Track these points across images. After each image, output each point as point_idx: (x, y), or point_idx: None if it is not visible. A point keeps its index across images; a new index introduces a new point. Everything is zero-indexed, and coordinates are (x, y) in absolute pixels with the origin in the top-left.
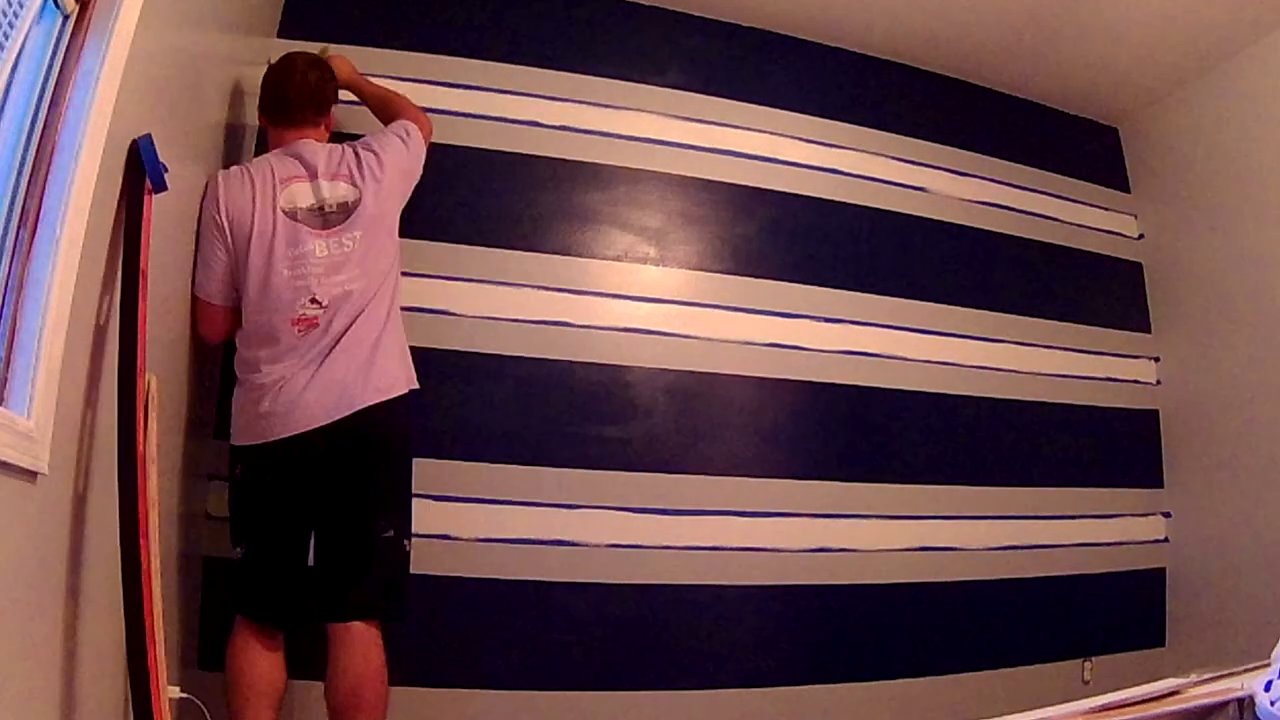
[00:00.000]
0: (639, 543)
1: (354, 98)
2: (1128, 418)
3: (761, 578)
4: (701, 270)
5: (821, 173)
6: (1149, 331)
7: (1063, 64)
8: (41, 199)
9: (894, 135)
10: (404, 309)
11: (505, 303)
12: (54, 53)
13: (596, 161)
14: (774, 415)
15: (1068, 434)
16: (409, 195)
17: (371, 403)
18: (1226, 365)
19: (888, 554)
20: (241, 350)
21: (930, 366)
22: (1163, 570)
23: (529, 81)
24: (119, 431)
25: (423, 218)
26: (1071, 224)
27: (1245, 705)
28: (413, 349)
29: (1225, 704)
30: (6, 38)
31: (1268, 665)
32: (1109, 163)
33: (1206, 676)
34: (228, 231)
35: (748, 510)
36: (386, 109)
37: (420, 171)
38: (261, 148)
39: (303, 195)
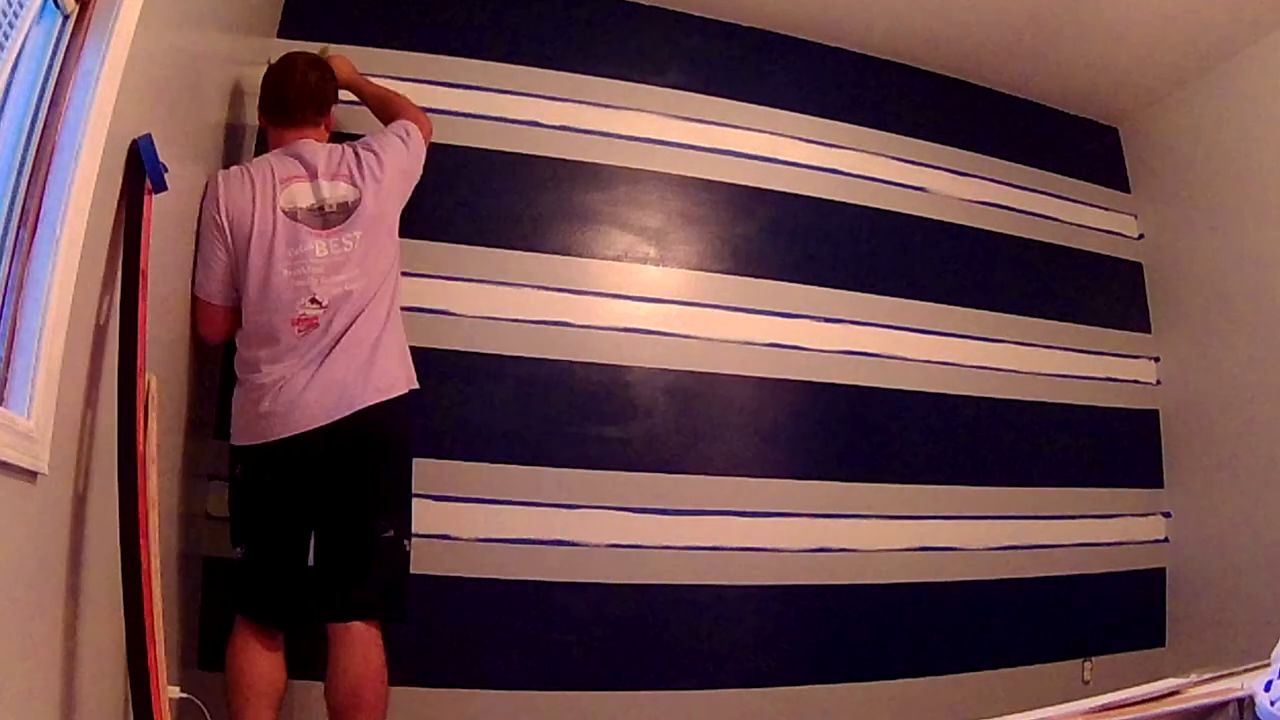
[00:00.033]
0: (639, 543)
1: (354, 98)
2: (1128, 418)
3: (761, 578)
4: (701, 270)
5: (821, 173)
6: (1149, 331)
7: (1063, 64)
8: (41, 199)
9: (894, 135)
10: (404, 309)
11: (505, 303)
12: (54, 53)
13: (596, 161)
14: (774, 415)
15: (1068, 434)
16: (409, 195)
17: (372, 402)
18: (1226, 365)
19: (888, 554)
20: (241, 350)
21: (930, 366)
22: (1163, 570)
23: (529, 81)
24: (119, 431)
25: (423, 218)
26: (1071, 224)
27: (1245, 705)
28: (413, 349)
29: (1225, 704)
30: (6, 38)
31: (1268, 665)
32: (1109, 163)
33: (1206, 676)
34: (228, 232)
35: (748, 510)
36: (386, 109)
37: (420, 171)
38: (261, 148)
39: (303, 195)
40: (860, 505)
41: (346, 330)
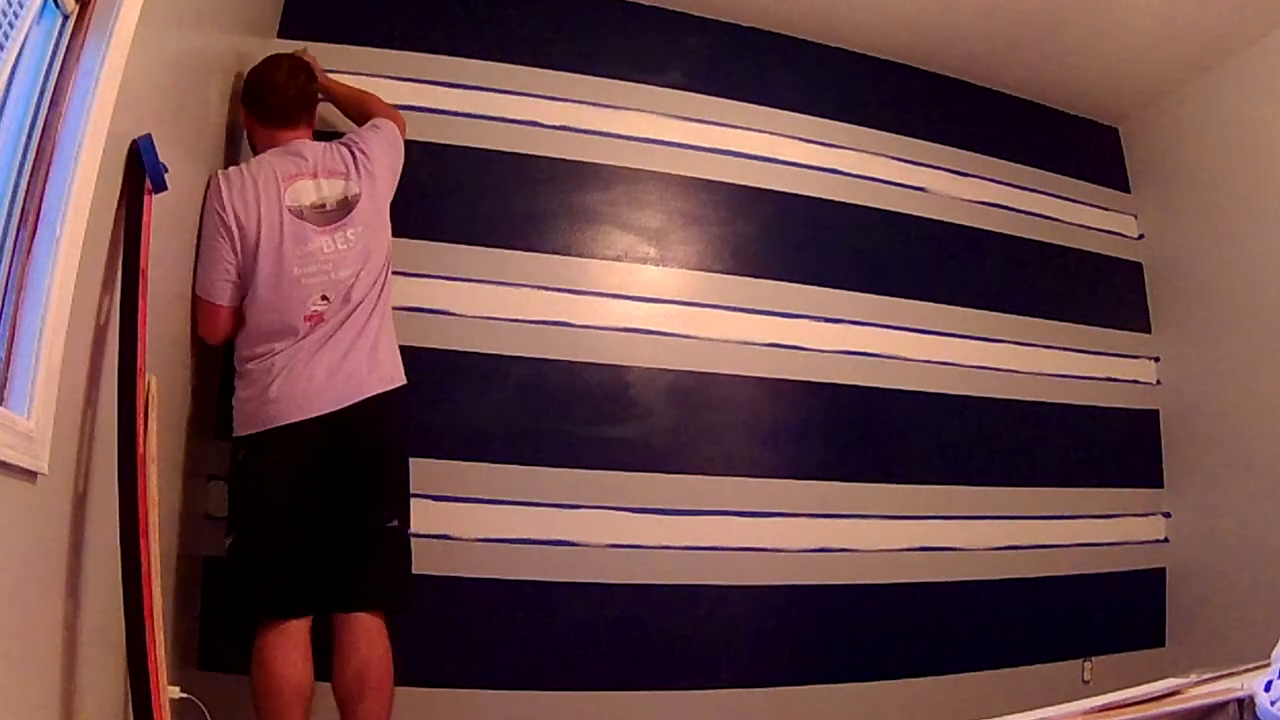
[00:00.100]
0: (639, 543)
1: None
2: (1128, 418)
3: (761, 578)
4: (701, 270)
5: (821, 173)
6: (1149, 331)
7: (1063, 64)
8: (41, 199)
9: (894, 135)
10: (404, 309)
11: (505, 303)
12: (54, 53)
13: (596, 161)
14: (774, 415)
15: (1068, 434)
16: (394, 190)
17: (377, 391)
18: (1226, 365)
19: (888, 554)
20: (244, 350)
21: (930, 366)
22: (1163, 570)
23: (529, 81)
24: (119, 431)
25: (423, 217)
26: (1071, 224)
27: (1245, 705)
28: (413, 349)
29: (1225, 704)
30: (6, 38)
31: (1268, 665)
32: (1109, 163)
33: (1206, 676)
34: (235, 234)
35: (747, 510)
36: (361, 109)
37: (401, 167)
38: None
39: (306, 193)
40: (860, 505)
41: (352, 323)
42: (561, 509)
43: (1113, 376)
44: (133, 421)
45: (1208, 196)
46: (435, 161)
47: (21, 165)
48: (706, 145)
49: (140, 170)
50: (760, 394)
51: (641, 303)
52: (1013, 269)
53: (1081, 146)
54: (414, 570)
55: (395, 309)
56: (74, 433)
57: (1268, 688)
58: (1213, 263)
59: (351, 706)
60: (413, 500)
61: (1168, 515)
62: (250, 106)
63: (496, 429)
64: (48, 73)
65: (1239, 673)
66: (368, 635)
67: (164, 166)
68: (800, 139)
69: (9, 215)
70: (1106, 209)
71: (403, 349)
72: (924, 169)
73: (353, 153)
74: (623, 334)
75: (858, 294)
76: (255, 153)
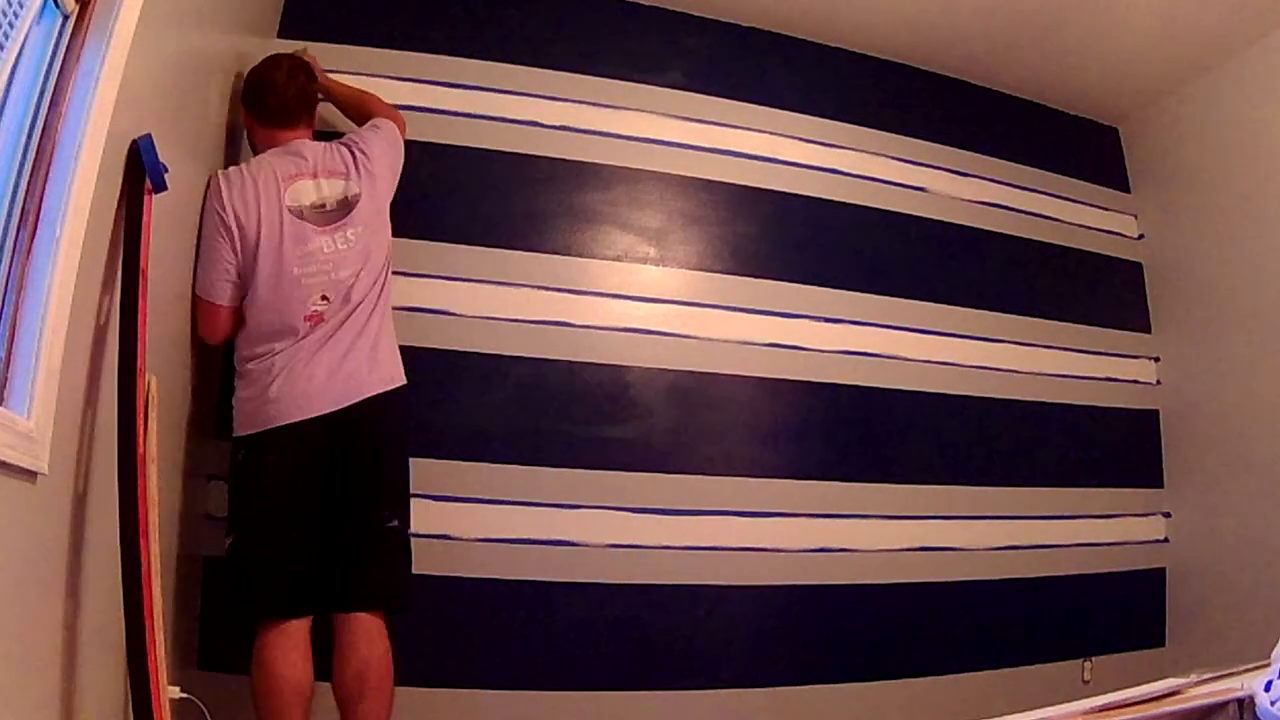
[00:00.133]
0: (639, 543)
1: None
2: (1128, 418)
3: (761, 578)
4: (701, 270)
5: (821, 173)
6: (1149, 331)
7: (1063, 64)
8: (41, 199)
9: (894, 135)
10: (405, 309)
11: (505, 303)
12: (54, 53)
13: (596, 161)
14: (774, 415)
15: (1068, 434)
16: (394, 190)
17: (378, 391)
18: (1226, 365)
19: (888, 554)
20: (244, 350)
21: (930, 366)
22: (1163, 570)
23: (529, 81)
24: (119, 431)
25: (423, 217)
26: (1071, 224)
27: (1245, 705)
28: (413, 349)
29: (1225, 704)
30: (6, 38)
31: (1268, 665)
32: (1109, 163)
33: (1206, 676)
34: (235, 234)
35: (747, 510)
36: (361, 109)
37: (401, 167)
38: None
39: (306, 193)
40: (860, 505)
41: (352, 322)
42: (561, 509)
43: (1113, 376)
44: (133, 421)
45: (1208, 196)
46: (435, 161)
47: (21, 165)
48: (706, 145)
49: (140, 170)
50: (760, 394)
51: (641, 303)
52: (1013, 269)
53: (1081, 146)
54: (414, 570)
55: (395, 309)
56: (74, 433)
57: (1268, 688)
58: (1213, 263)
59: (351, 706)
60: (413, 500)
61: (1168, 515)
62: (250, 106)
63: (496, 429)
64: (48, 73)
65: (1239, 673)
66: (368, 635)
67: (164, 166)
68: (800, 139)
69: (9, 215)
70: (1106, 209)
71: (403, 349)
72: (924, 169)
73: (353, 153)
74: (623, 334)
75: (858, 294)
76: (255, 153)
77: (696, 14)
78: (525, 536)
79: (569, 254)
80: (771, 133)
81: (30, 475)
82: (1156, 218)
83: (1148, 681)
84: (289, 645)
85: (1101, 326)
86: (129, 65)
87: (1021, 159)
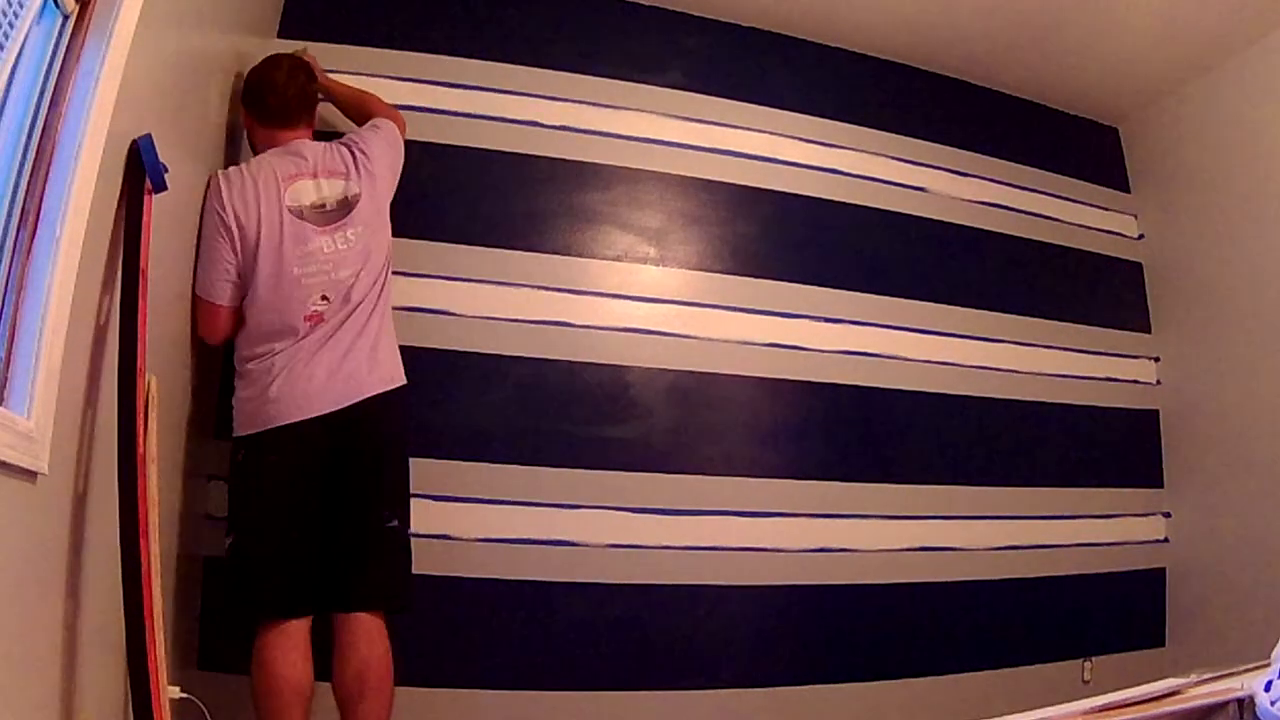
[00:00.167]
0: (639, 543)
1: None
2: (1128, 418)
3: (761, 578)
4: (701, 270)
5: (821, 173)
6: (1149, 331)
7: (1063, 64)
8: (41, 199)
9: (894, 135)
10: (405, 309)
11: (505, 303)
12: (54, 53)
13: (596, 161)
14: (774, 415)
15: (1068, 434)
16: (394, 190)
17: (378, 391)
18: (1226, 365)
19: (888, 554)
20: (244, 350)
21: (930, 366)
22: (1163, 570)
23: (529, 81)
24: (119, 431)
25: (423, 217)
26: (1071, 224)
27: (1245, 705)
28: (413, 349)
29: (1225, 704)
30: (6, 38)
31: (1268, 665)
32: (1109, 163)
33: (1206, 676)
34: (235, 234)
35: (747, 510)
36: (361, 109)
37: (401, 167)
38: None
39: (306, 193)
40: (860, 505)
41: (352, 323)
42: (561, 509)
43: (1113, 376)
44: (133, 421)
45: (1208, 196)
46: (435, 161)
47: (21, 165)
48: (706, 145)
49: (140, 170)
50: (760, 394)
51: (641, 303)
52: (1013, 269)
53: (1081, 146)
54: (414, 570)
55: (395, 309)
56: (74, 433)
57: (1268, 688)
58: (1213, 263)
59: (351, 706)
60: (413, 500)
61: (1168, 515)
62: (250, 106)
63: (496, 429)
64: (48, 73)
65: (1239, 673)
66: (368, 635)
67: (164, 166)
68: (800, 139)
69: (9, 215)
70: (1106, 209)
71: (403, 349)
72: (924, 169)
73: (353, 153)
74: (623, 334)
75: (858, 294)
76: (255, 153)
77: (696, 14)
78: (525, 536)
79: (569, 254)
80: (771, 133)
81: (30, 475)
82: (1156, 218)
83: (1148, 681)
84: (289, 645)
85: (1101, 326)
86: (129, 65)
87: (1021, 159)
